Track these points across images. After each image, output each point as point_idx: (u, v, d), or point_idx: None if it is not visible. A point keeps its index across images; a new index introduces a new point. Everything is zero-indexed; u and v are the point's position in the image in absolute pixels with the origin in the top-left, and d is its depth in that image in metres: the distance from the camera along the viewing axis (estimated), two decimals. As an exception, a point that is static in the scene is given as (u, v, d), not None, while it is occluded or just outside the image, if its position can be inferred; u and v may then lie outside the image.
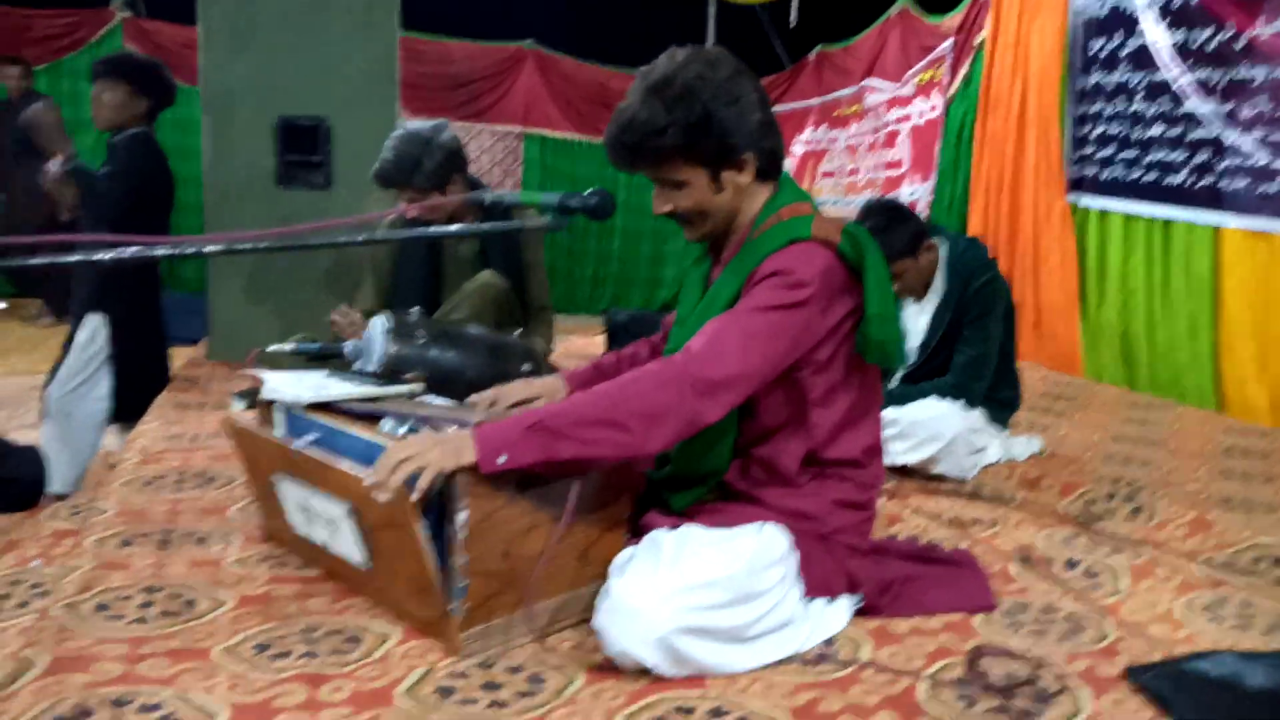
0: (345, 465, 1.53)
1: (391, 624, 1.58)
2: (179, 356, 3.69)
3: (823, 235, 1.62)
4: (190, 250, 1.28)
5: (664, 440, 1.49)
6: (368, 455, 1.53)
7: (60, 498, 2.60)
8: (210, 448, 2.53)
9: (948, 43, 5.54)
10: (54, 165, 3.86)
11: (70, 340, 3.27)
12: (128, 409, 3.25)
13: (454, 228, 1.66)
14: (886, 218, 2.66)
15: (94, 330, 3.21)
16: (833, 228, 1.63)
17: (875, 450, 1.75)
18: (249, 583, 1.73)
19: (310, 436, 1.64)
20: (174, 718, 1.29)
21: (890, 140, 6.24)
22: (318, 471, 1.59)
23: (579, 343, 4.72)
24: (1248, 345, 3.64)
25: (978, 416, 2.70)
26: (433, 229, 2.62)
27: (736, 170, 1.66)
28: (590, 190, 1.66)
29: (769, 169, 1.70)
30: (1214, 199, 3.74)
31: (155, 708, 1.31)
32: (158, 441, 2.57)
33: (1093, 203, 4.43)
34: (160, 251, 1.26)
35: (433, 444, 1.42)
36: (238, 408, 1.81)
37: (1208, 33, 3.73)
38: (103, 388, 3.22)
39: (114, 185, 3.16)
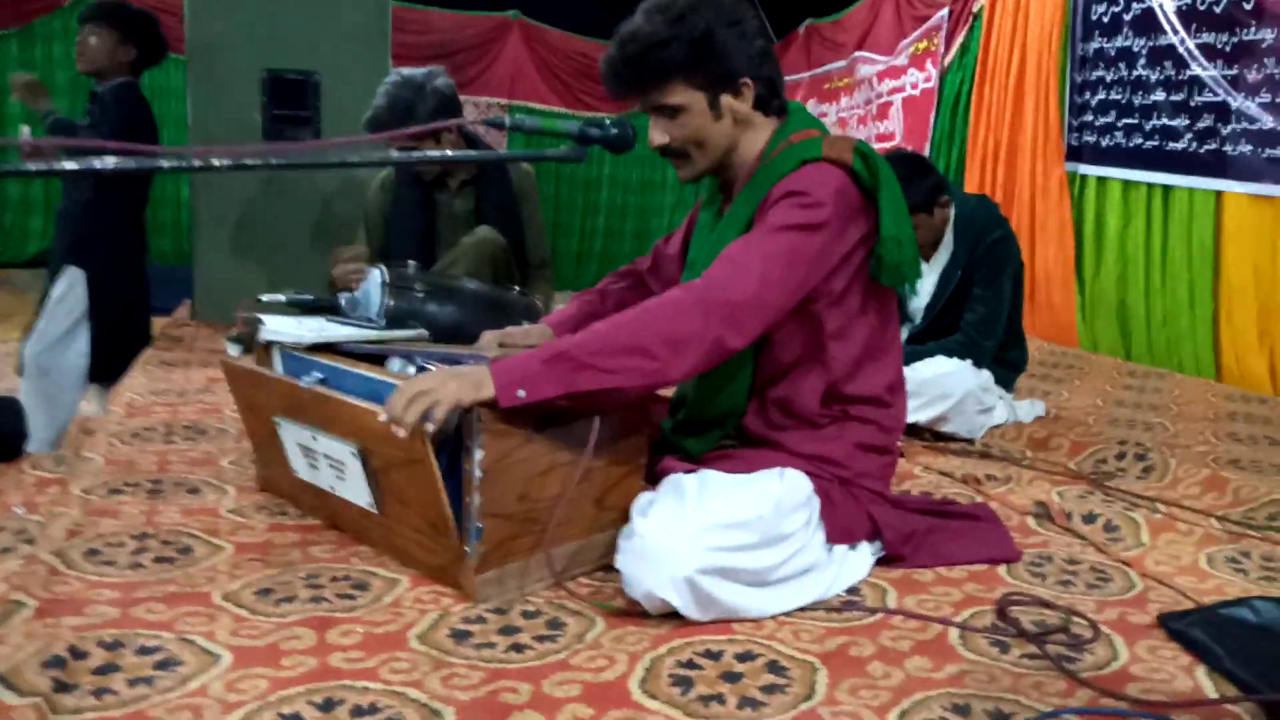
0: (355, 403, 1.45)
1: (400, 570, 1.52)
2: (158, 324, 3.56)
3: (834, 155, 1.57)
4: (197, 164, 1.19)
5: (688, 367, 1.43)
6: (376, 395, 1.46)
7: (39, 457, 2.50)
8: (199, 402, 2.44)
9: (943, 12, 5.48)
10: (26, 133, 3.72)
11: (46, 295, 3.15)
12: (105, 369, 3.13)
13: (463, 153, 1.58)
14: (907, 168, 2.54)
15: (71, 284, 3.10)
16: (844, 146, 1.58)
17: (898, 388, 1.70)
18: (247, 531, 1.65)
19: (316, 375, 1.57)
20: (174, 660, 1.21)
21: (883, 112, 6.18)
22: (325, 410, 1.51)
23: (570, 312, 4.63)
24: (1248, 313, 3.61)
25: (987, 376, 2.64)
26: (444, 153, 2.51)
27: (735, 96, 1.61)
28: (611, 120, 1.59)
29: (768, 98, 1.65)
30: (1217, 164, 3.70)
31: (154, 650, 1.23)
32: (144, 396, 2.47)
33: (1091, 170, 4.39)
34: (165, 164, 1.17)
35: (448, 377, 1.35)
36: (232, 352, 1.73)
37: (1214, -5, 3.69)
38: (81, 344, 3.11)
39: (99, 136, 3.03)
